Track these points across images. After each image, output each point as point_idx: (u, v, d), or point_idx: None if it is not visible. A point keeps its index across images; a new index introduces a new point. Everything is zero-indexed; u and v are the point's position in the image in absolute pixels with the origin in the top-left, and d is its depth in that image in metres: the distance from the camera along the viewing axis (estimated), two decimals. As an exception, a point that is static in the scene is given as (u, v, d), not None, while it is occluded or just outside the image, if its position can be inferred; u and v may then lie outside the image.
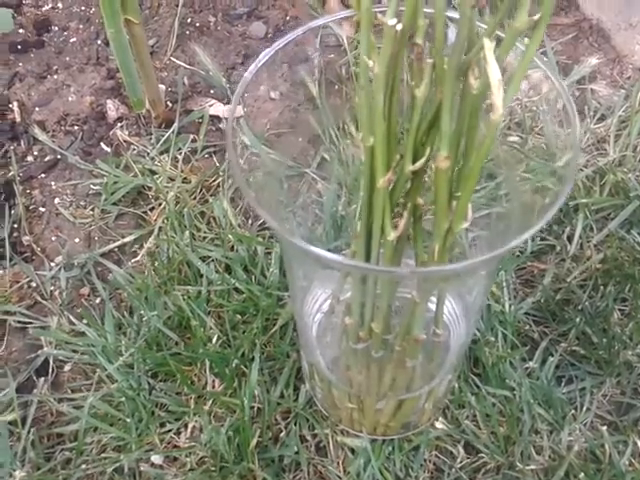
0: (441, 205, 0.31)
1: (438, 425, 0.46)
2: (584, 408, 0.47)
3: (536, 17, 0.26)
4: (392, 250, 0.33)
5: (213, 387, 0.47)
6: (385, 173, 0.30)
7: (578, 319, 0.49)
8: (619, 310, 0.51)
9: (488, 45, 0.25)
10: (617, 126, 0.61)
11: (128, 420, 0.45)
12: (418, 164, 0.31)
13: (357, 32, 0.29)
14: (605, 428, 0.46)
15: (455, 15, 0.31)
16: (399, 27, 0.27)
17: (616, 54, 0.70)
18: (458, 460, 0.45)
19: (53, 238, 0.61)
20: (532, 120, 0.59)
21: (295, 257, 0.39)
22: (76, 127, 0.69)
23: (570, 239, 0.53)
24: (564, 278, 0.52)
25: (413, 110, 0.30)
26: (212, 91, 0.70)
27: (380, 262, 0.34)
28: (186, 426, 0.46)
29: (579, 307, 0.50)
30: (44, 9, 0.82)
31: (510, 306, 0.50)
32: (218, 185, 0.62)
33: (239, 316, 0.50)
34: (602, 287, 0.51)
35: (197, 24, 0.77)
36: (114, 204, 0.61)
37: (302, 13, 0.69)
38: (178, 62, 0.71)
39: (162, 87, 0.69)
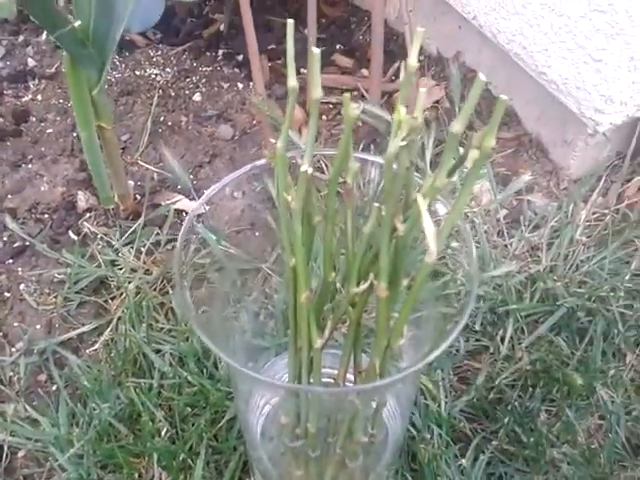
0: (381, 326, 0.35)
1: (374, 521, 0.48)
2: (512, 506, 0.49)
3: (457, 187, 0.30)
4: (320, 356, 0.37)
5: (160, 480, 0.49)
6: (306, 290, 0.34)
7: (508, 418, 0.53)
8: (546, 410, 0.54)
9: (421, 201, 0.30)
10: (550, 235, 0.66)
11: (75, 511, 0.47)
12: (362, 287, 0.35)
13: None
14: (531, 526, 0.48)
15: (380, 160, 0.36)
16: (310, 171, 0.32)
17: (553, 167, 0.77)
18: None
19: (15, 323, 0.63)
20: (472, 228, 0.64)
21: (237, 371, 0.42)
22: (46, 215, 0.73)
23: (502, 341, 0.57)
24: (496, 378, 0.55)
25: (359, 241, 0.34)
26: (179, 186, 0.75)
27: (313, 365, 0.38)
28: (131, 519, 0.47)
29: (509, 407, 0.54)
30: (24, 100, 0.87)
31: (446, 404, 0.53)
32: (178, 278, 0.65)
33: (189, 409, 0.52)
34: (531, 388, 0.55)
35: (169, 123, 0.82)
36: (77, 292, 0.64)
37: (265, 120, 0.74)
38: (146, 165, 0.76)
39: (131, 183, 0.73)
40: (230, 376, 0.44)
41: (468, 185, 0.30)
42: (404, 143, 0.30)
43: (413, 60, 0.31)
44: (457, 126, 0.28)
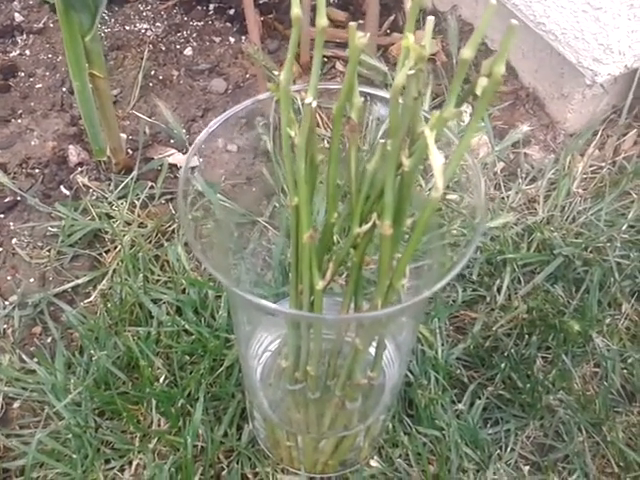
0: (384, 265, 0.34)
1: (373, 463, 0.49)
2: (508, 448, 0.50)
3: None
4: (321, 297, 0.36)
5: (158, 426, 0.49)
6: (308, 230, 0.34)
7: (504, 365, 0.53)
8: (542, 358, 0.55)
9: (429, 134, 0.29)
10: (547, 188, 0.66)
11: (74, 456, 0.47)
12: (365, 227, 0.35)
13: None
14: (527, 468, 0.49)
15: (385, 94, 0.36)
16: (314, 104, 0.31)
17: (549, 120, 0.77)
18: (390, 498, 0.48)
19: (9, 277, 0.62)
20: (468, 181, 0.64)
21: (240, 303, 0.42)
22: (37, 170, 0.71)
23: (499, 290, 0.57)
24: (492, 326, 0.55)
25: (362, 180, 0.34)
26: (172, 140, 0.74)
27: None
28: (130, 463, 0.48)
29: (505, 354, 0.54)
30: (12, 55, 0.85)
31: (442, 351, 0.53)
32: (173, 231, 0.64)
33: (187, 357, 0.52)
34: (527, 336, 0.55)
35: (160, 77, 0.81)
36: (70, 246, 0.63)
37: (260, 72, 0.73)
38: (140, 115, 0.75)
39: (123, 136, 0.72)
40: (233, 315, 0.44)
41: (477, 116, 0.30)
42: (412, 72, 0.29)
43: (420, -15, 0.30)
44: (467, 52, 0.28)
